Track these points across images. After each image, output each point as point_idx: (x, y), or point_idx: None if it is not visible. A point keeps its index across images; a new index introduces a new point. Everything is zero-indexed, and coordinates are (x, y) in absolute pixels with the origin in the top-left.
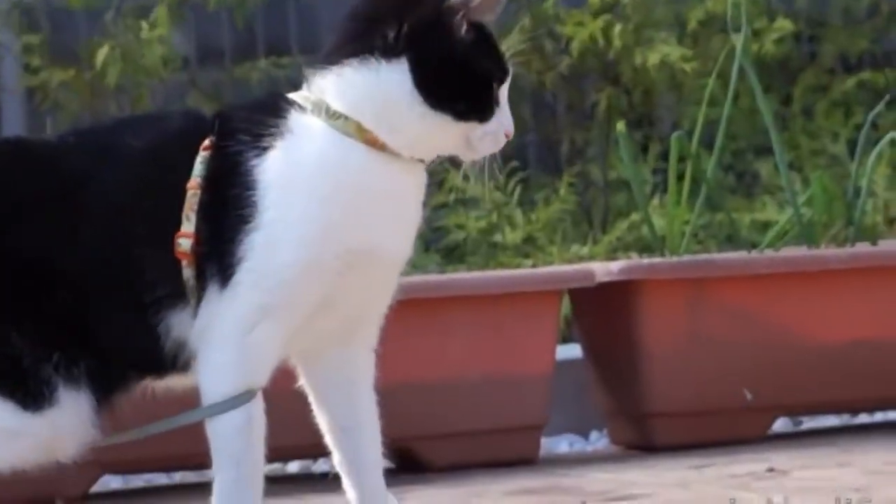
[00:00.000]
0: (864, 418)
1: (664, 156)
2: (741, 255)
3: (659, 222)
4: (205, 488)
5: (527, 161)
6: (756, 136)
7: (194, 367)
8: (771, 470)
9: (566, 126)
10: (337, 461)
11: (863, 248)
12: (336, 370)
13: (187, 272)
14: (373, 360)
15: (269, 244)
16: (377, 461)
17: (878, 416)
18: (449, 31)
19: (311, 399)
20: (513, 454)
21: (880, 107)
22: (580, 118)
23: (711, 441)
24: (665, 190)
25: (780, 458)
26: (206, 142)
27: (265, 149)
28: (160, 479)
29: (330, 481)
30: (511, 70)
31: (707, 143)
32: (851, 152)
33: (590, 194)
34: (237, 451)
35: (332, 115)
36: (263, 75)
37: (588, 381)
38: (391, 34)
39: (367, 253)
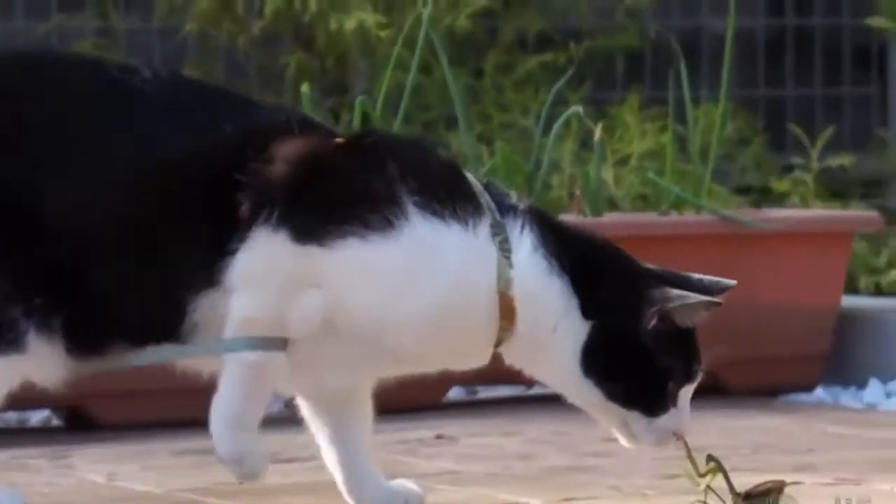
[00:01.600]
0: (538, 389)
1: None
2: None
3: None
4: None
5: None
6: (448, 108)
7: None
8: (440, 437)
9: (258, 89)
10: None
11: None
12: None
13: (246, 206)
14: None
15: (365, 268)
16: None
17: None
18: (638, 317)
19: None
20: (185, 414)
21: (562, 82)
22: (273, 81)
23: (387, 408)
24: None
25: (451, 425)
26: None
27: (436, 213)
28: None
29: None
30: (699, 376)
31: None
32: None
33: None
34: (249, 380)
35: (504, 251)
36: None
37: None
38: (594, 297)
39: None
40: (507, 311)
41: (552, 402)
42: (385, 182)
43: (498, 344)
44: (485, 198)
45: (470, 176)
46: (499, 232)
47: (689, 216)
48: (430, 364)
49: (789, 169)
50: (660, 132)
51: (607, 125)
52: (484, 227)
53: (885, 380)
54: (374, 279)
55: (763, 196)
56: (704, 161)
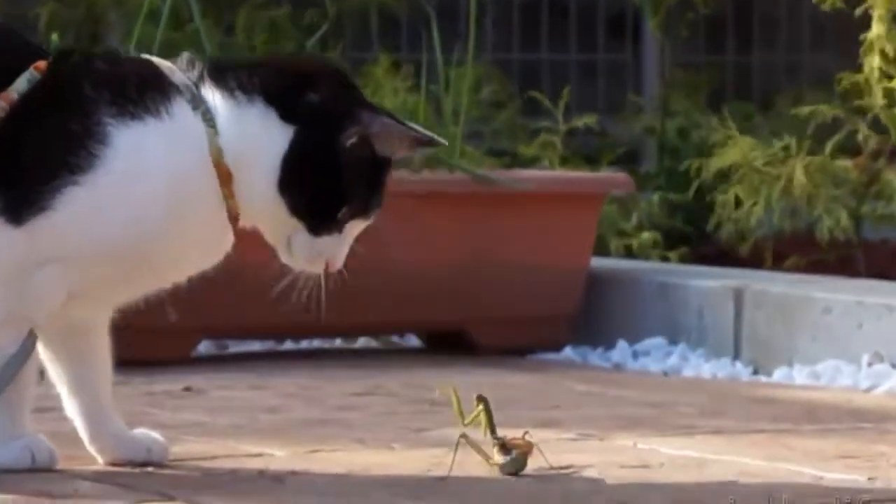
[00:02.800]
0: (289, 345)
1: None
2: None
3: None
4: None
5: None
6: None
7: None
8: (188, 389)
9: None
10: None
11: None
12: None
13: None
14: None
15: (93, 208)
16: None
17: (304, 344)
18: (339, 132)
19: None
20: None
21: (315, 38)
22: (25, 32)
23: (134, 360)
24: None
25: (199, 379)
26: (41, 63)
27: (133, 116)
28: None
29: None
30: (372, 218)
31: None
32: None
33: None
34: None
35: (208, 121)
36: None
37: None
38: (298, 101)
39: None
40: (224, 178)
41: (301, 357)
42: (81, 109)
43: (236, 216)
44: (177, 77)
45: (161, 61)
46: (198, 105)
47: (441, 175)
48: (190, 265)
49: (539, 132)
50: (411, 91)
51: (361, 83)
52: (180, 107)
53: (632, 341)
54: (105, 211)
55: (515, 159)
56: (458, 122)
